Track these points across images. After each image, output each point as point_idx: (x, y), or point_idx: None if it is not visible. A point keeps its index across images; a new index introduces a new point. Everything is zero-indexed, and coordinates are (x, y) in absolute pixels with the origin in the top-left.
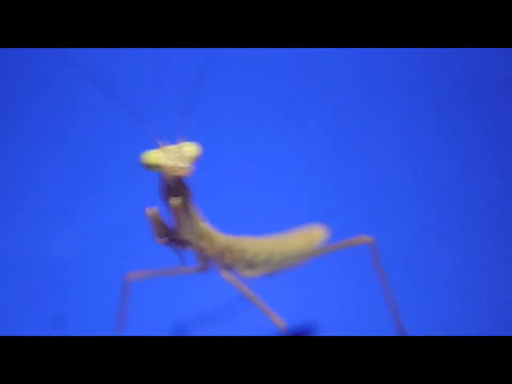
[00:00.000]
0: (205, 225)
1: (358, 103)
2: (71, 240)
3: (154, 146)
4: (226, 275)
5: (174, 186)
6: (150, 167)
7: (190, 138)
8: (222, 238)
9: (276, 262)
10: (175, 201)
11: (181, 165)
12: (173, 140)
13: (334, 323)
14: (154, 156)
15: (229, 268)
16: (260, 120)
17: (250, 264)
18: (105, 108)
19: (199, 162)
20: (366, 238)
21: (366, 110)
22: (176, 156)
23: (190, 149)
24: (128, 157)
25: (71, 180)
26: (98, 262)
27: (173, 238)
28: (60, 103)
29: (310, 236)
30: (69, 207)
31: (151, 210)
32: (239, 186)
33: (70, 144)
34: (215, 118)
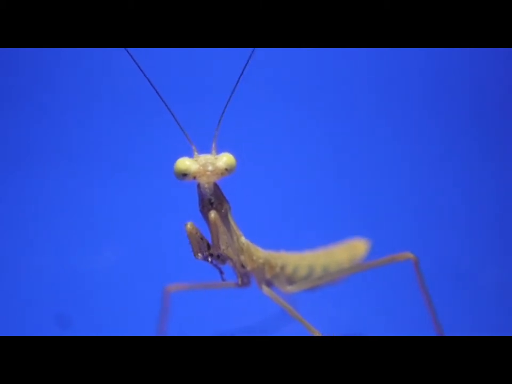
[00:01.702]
0: (244, 240)
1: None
2: (112, 253)
3: (191, 155)
4: (266, 290)
5: (212, 199)
6: (180, 174)
7: (227, 150)
8: (261, 253)
9: (317, 277)
10: (213, 214)
11: (209, 169)
12: (210, 150)
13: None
14: (184, 163)
15: (269, 283)
16: (300, 137)
17: (291, 280)
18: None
19: (236, 175)
20: (408, 255)
21: (405, 121)
22: (207, 162)
23: (224, 158)
24: (168, 170)
25: (110, 193)
26: (139, 274)
27: (211, 253)
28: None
29: (352, 250)
30: (109, 223)
31: (189, 225)
32: (280, 201)
33: (110, 156)
34: (250, 129)
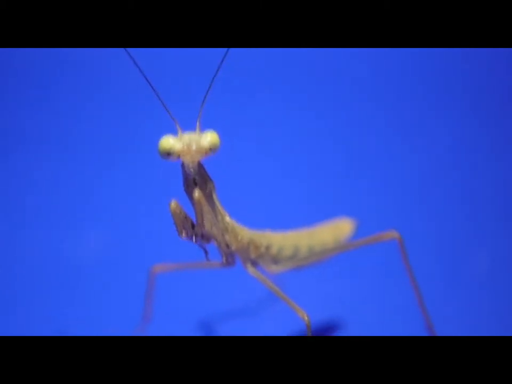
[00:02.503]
0: (229, 219)
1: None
2: (95, 235)
3: (175, 134)
4: (251, 270)
5: (196, 178)
6: (165, 152)
7: (212, 129)
8: (246, 233)
9: (302, 256)
10: (197, 193)
11: (194, 148)
12: (194, 129)
13: (359, 319)
14: (168, 141)
15: (254, 263)
16: (286, 116)
17: (276, 259)
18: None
19: (221, 155)
20: (393, 233)
21: (392, 104)
22: (191, 141)
23: (208, 137)
24: (152, 149)
25: (94, 174)
26: (123, 255)
27: (195, 232)
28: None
29: (337, 230)
30: (92, 202)
31: (173, 203)
32: (264, 181)
33: (93, 136)
34: (235, 107)
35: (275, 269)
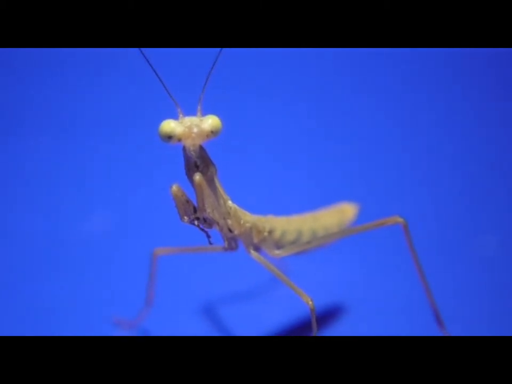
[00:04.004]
0: (231, 204)
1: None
2: (97, 218)
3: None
4: (254, 255)
5: (197, 161)
6: (166, 136)
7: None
8: (249, 217)
9: (305, 241)
10: (198, 176)
11: (195, 131)
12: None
13: (362, 303)
14: (169, 125)
15: (256, 247)
16: (288, 100)
17: (279, 244)
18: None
19: (224, 139)
20: (397, 218)
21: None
22: (192, 124)
23: (209, 121)
24: (153, 133)
25: (95, 159)
26: (125, 239)
27: (197, 216)
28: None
29: (340, 215)
30: (95, 187)
31: (174, 187)
32: (268, 165)
33: (96, 121)
34: (236, 91)
35: (278, 253)
